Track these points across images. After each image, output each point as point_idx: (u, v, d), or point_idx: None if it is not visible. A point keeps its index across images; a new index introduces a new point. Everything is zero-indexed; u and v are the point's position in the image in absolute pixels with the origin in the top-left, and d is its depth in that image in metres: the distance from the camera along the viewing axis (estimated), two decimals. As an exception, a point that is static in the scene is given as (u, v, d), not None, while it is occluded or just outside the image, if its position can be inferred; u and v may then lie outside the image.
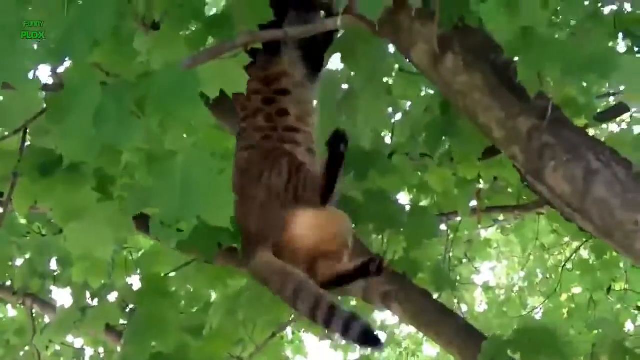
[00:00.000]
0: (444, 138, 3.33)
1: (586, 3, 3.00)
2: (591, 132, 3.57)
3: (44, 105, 2.39)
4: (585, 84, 2.77)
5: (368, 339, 2.41)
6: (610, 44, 3.39)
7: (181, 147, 1.73)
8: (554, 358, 2.90)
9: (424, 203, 4.75)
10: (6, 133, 2.55)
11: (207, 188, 1.73)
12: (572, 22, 2.86)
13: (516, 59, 2.01)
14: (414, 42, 2.19)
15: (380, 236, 3.53)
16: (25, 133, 2.55)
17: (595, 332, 3.85)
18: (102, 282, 3.77)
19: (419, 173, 4.22)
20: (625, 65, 2.01)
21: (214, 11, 4.21)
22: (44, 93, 2.60)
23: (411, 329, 9.00)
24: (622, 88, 2.19)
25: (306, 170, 2.61)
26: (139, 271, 4.01)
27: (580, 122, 3.28)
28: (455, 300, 7.83)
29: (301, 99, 2.81)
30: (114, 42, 1.81)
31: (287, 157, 2.64)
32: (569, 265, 6.59)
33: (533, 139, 2.06)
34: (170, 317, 3.50)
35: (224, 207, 1.76)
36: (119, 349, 4.69)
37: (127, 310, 3.96)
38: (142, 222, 3.03)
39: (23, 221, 4.69)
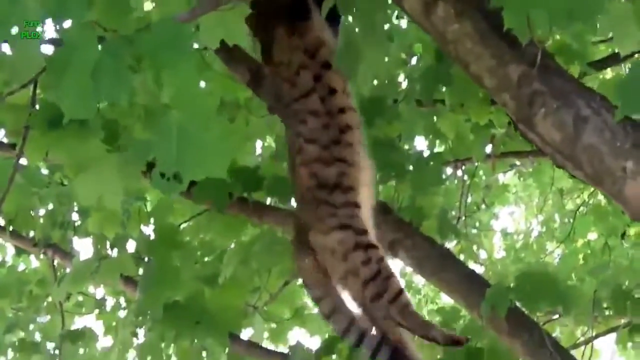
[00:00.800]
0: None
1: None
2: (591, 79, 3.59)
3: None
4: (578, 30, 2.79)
5: None
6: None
7: (177, 102, 1.78)
8: (554, 303, 2.96)
9: (439, 149, 4.80)
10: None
11: (203, 142, 1.79)
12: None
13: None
14: (406, -8, 2.22)
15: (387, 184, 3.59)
16: (35, 87, 2.60)
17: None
18: (118, 232, 3.86)
19: (434, 118, 4.25)
20: (613, 10, 2.04)
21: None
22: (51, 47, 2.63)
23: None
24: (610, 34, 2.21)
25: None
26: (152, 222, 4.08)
27: (574, 68, 3.29)
28: (475, 247, 7.91)
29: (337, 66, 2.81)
30: (109, -1, 1.86)
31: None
32: (583, 210, 6.63)
33: (523, 87, 2.08)
34: (183, 267, 3.58)
35: (220, 159, 1.81)
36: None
37: (144, 260, 4.06)
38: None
39: (45, 171, 4.77)
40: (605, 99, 2.08)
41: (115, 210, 3.35)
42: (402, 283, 2.85)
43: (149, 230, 4.31)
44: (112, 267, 3.75)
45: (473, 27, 2.14)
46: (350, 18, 2.82)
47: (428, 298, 8.95)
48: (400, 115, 3.59)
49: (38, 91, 2.69)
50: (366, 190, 2.76)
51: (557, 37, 3.23)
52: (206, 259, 3.99)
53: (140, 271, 4.06)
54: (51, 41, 2.56)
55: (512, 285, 2.98)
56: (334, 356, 3.73)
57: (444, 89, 3.59)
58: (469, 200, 6.54)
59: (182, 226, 3.88)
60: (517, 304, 2.98)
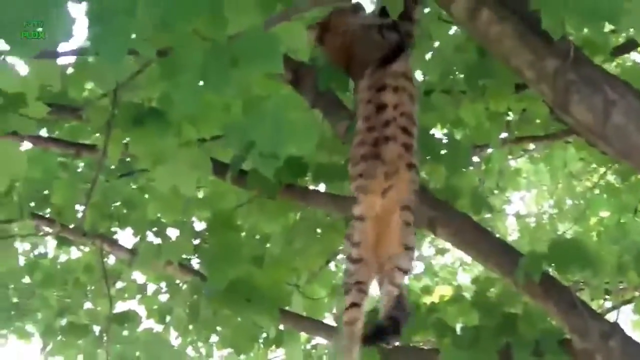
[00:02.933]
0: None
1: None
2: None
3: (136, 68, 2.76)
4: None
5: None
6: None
7: (271, 93, 2.12)
8: (585, 268, 3.23)
9: (458, 136, 5.06)
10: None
11: (292, 126, 2.13)
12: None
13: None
14: (453, -1, 2.55)
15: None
16: (116, 91, 2.91)
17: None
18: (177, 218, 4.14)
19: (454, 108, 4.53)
20: (634, 8, 2.36)
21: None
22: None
23: (446, 259, 9.37)
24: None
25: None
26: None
27: (598, 59, 3.59)
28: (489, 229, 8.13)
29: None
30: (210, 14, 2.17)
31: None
32: (596, 191, 6.83)
33: (558, 77, 2.41)
34: (238, 248, 3.86)
35: (307, 139, 2.15)
36: (183, 283, 5.11)
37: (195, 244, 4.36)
38: (217, 167, 3.43)
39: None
40: (629, 84, 2.42)
41: (177, 197, 3.63)
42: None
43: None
44: (172, 250, 4.04)
45: (513, 28, 2.47)
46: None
47: (445, 280, 9.15)
48: (433, 105, 3.87)
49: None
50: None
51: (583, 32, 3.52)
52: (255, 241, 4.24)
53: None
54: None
55: (544, 253, 3.20)
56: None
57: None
58: (484, 185, 6.79)
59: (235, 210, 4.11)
60: (549, 270, 3.25)
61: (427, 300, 4.70)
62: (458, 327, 3.68)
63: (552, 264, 3.17)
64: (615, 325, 3.17)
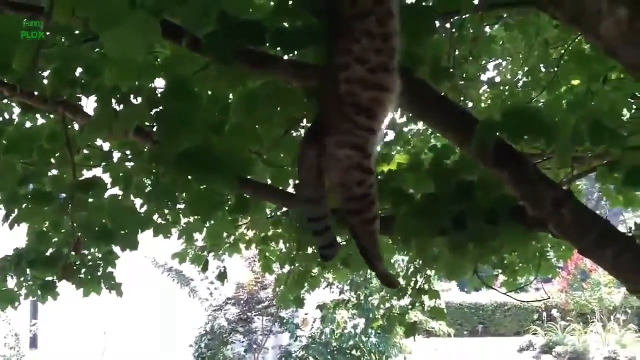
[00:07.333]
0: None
1: None
2: None
3: None
4: None
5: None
6: None
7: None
8: (538, 137, 3.20)
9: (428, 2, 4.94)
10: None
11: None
12: None
13: None
14: None
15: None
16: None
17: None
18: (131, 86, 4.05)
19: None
20: None
21: None
22: None
23: (420, 126, 9.33)
24: None
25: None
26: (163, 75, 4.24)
27: None
28: (462, 98, 8.12)
29: None
30: None
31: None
32: (568, 59, 6.75)
33: (510, -61, 2.34)
34: (195, 116, 3.80)
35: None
36: (146, 149, 5.05)
37: (153, 112, 4.27)
38: (168, 30, 3.32)
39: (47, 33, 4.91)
40: (584, -53, 2.33)
41: (132, 63, 3.52)
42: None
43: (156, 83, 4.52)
44: (128, 116, 3.97)
45: None
46: None
47: (418, 149, 9.06)
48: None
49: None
50: (390, 110, 3.06)
51: None
52: (214, 109, 4.17)
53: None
54: None
55: (499, 120, 3.15)
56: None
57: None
58: (457, 53, 6.70)
59: (191, 77, 4.01)
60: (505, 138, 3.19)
61: (385, 168, 4.68)
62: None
63: (506, 132, 3.12)
64: (568, 193, 3.16)
